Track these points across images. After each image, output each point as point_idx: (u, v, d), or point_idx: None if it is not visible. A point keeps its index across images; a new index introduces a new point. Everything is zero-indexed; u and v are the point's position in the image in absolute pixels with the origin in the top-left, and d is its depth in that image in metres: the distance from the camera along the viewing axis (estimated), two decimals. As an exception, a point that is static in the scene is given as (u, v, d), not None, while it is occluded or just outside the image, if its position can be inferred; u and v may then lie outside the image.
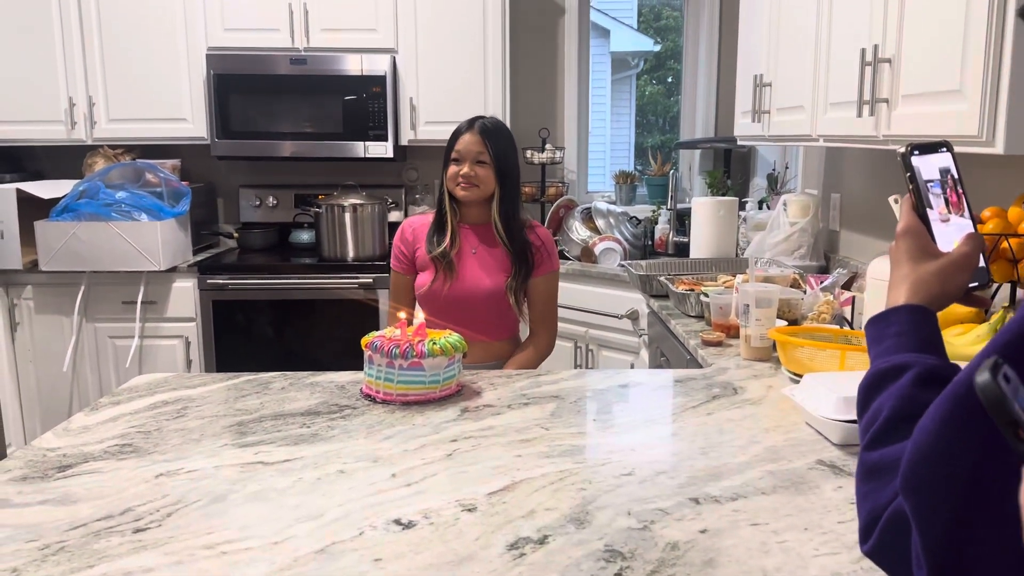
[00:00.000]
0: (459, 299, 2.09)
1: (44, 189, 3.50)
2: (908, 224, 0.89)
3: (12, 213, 3.37)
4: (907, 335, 0.82)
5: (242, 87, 3.61)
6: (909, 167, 0.89)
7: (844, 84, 1.92)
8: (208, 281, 3.48)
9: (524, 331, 2.26)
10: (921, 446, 0.61)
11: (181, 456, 1.34)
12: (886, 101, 1.70)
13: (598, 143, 6.67)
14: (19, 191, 3.37)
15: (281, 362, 3.53)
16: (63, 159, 3.92)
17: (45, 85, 3.65)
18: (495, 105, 3.71)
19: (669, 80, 7.11)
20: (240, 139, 3.66)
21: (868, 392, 0.80)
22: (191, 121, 3.68)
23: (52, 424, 3.50)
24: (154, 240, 3.36)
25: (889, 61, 1.68)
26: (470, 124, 2.12)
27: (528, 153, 3.85)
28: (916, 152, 0.90)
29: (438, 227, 2.16)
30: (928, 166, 0.90)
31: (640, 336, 3.08)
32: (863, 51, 1.75)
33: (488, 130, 2.10)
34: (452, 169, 2.11)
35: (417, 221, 2.24)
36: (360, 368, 1.69)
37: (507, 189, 2.11)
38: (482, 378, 1.78)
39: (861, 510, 0.72)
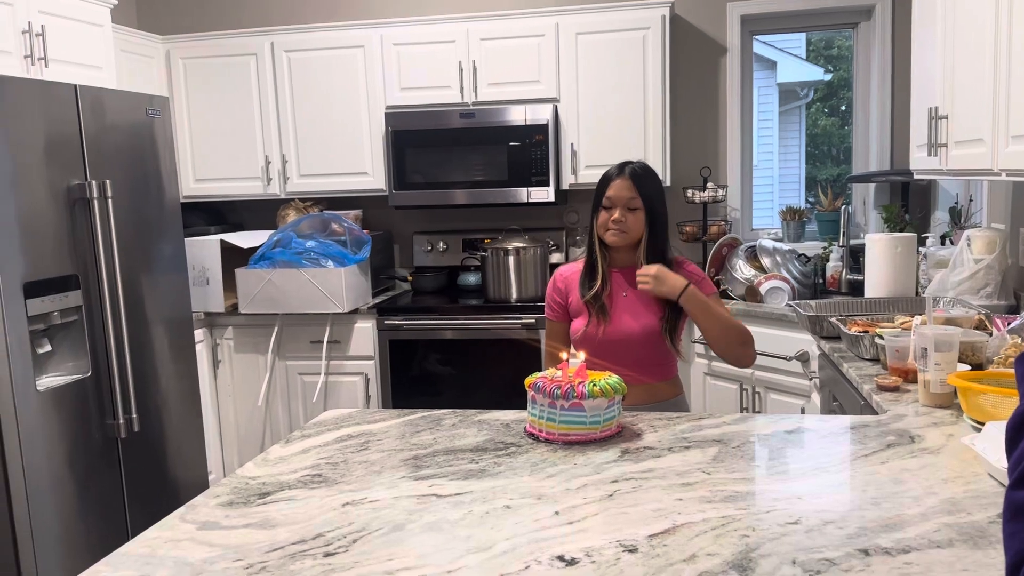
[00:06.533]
0: (614, 342, 2.09)
1: (243, 239, 3.88)
2: None
3: (216, 261, 3.76)
4: None
5: (416, 141, 3.87)
6: None
7: (1028, 115, 1.81)
8: (385, 322, 3.72)
9: (683, 371, 2.25)
10: None
11: (364, 487, 1.45)
12: (1077, 131, 1.59)
13: (765, 177, 6.51)
14: (222, 242, 3.77)
15: (450, 397, 3.70)
16: (259, 211, 4.33)
17: (245, 146, 4.07)
18: (655, 146, 3.75)
19: (843, 109, 6.84)
20: (414, 189, 3.90)
21: (1016, 430, 0.77)
22: (371, 174, 3.98)
23: (247, 453, 3.87)
24: (339, 285, 3.64)
25: (1079, 89, 1.57)
26: (620, 170, 2.11)
27: (689, 192, 3.84)
28: None
29: (589, 272, 2.17)
30: None
31: (811, 379, 2.97)
32: (1049, 80, 1.65)
33: (639, 175, 2.09)
34: (603, 216, 2.11)
35: (568, 270, 2.25)
36: (523, 405, 1.76)
37: (655, 233, 2.10)
38: (642, 420, 1.80)
39: (1008, 550, 0.70)
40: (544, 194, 3.79)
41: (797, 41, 7.37)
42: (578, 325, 2.15)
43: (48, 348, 2.64)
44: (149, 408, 3.02)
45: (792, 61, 7.54)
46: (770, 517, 1.26)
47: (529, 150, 3.78)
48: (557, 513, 1.30)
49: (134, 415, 2.87)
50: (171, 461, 3.17)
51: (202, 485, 3.39)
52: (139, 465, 2.96)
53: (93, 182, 2.73)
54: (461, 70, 3.84)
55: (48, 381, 2.61)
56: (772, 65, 7.31)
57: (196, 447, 3.38)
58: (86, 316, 2.72)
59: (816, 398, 2.90)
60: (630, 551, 1.16)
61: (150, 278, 3.09)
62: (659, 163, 3.74)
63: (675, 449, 1.60)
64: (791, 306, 2.94)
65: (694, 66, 4.03)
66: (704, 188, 3.84)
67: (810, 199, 4.11)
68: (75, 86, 2.74)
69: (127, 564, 1.19)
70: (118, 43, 3.52)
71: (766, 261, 3.52)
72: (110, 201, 2.77)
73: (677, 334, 2.13)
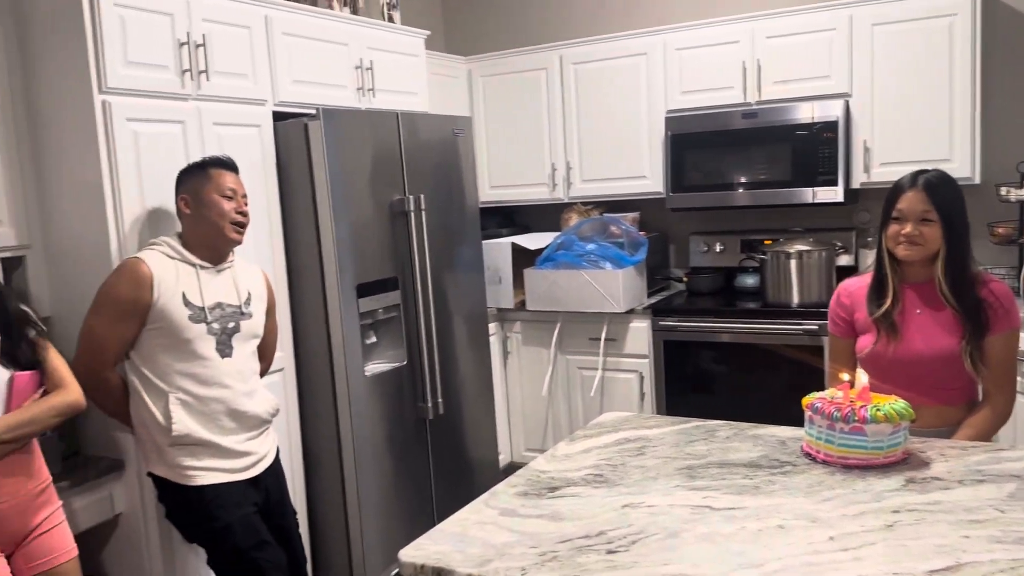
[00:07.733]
0: (904, 362, 2.00)
1: (531, 241, 4.19)
2: None
3: (508, 262, 4.11)
4: None
5: (696, 144, 3.90)
6: None
7: None
8: (660, 323, 3.81)
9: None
10: None
11: (642, 491, 1.58)
12: None
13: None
14: (513, 244, 4.10)
15: (723, 400, 3.71)
16: (544, 215, 4.63)
17: (533, 154, 4.37)
18: (962, 140, 3.45)
19: None
20: (692, 192, 3.95)
21: None
22: (649, 178, 4.09)
23: (532, 438, 4.19)
24: (616, 285, 3.81)
25: None
26: (913, 180, 2.01)
27: (1003, 190, 3.48)
28: None
29: (877, 287, 2.08)
30: None
31: None
32: None
33: (933, 185, 1.98)
34: (893, 228, 2.02)
35: (853, 285, 2.18)
36: (801, 414, 1.76)
37: (954, 247, 1.97)
38: (932, 447, 1.73)
39: None
40: (831, 194, 3.65)
41: None
42: (865, 343, 2.08)
43: (374, 339, 3.09)
44: (451, 393, 3.40)
45: None
46: (1072, 569, 1.19)
47: (815, 148, 3.66)
48: (832, 539, 1.33)
49: (439, 399, 3.25)
50: (468, 441, 3.55)
51: (493, 464, 3.74)
52: (442, 444, 3.35)
53: (410, 197, 3.13)
54: (744, 70, 3.81)
55: (373, 368, 3.05)
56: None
57: (489, 430, 3.74)
58: (403, 312, 3.14)
59: None
60: (907, 586, 1.17)
61: (454, 278, 3.46)
62: (967, 158, 3.44)
63: (966, 482, 1.53)
64: None
65: (1011, 51, 3.62)
66: (1021, 185, 3.46)
67: None
68: (397, 112, 3.16)
69: (445, 540, 1.42)
70: (428, 67, 3.96)
71: (1098, 269, 3.10)
72: (424, 213, 3.16)
73: (981, 356, 1.97)
